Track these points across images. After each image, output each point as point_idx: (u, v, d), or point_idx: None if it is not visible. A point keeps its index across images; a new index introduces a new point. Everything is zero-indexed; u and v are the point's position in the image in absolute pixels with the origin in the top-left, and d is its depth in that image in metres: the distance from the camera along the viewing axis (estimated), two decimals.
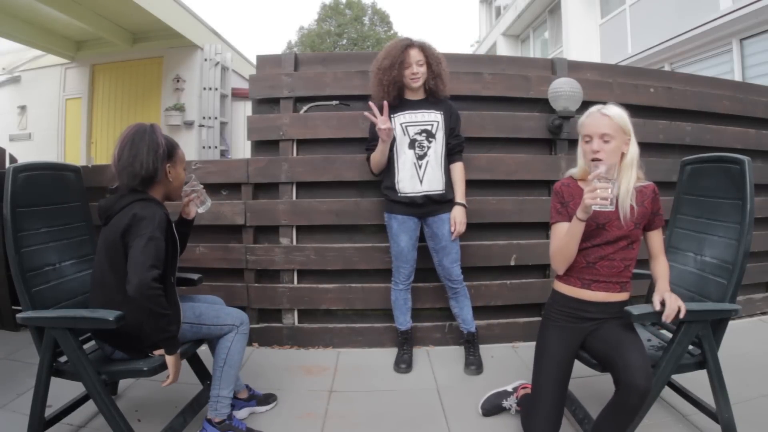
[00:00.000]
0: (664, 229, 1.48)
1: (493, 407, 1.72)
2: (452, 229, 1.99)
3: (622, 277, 1.39)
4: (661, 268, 1.44)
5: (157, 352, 1.39)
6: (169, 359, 1.35)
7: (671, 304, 1.29)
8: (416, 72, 1.93)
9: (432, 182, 1.99)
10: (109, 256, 1.36)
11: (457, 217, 1.99)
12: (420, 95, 2.02)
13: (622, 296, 1.40)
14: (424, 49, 1.95)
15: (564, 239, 1.37)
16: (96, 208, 1.45)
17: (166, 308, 1.31)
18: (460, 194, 2.03)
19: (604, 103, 1.41)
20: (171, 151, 1.49)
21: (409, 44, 1.95)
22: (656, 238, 1.45)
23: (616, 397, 1.24)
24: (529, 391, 1.71)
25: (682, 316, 1.29)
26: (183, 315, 1.48)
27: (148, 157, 1.39)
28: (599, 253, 1.37)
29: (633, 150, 1.38)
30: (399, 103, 2.01)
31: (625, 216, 1.35)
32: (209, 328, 1.53)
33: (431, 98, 2.01)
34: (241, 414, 1.69)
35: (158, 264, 1.31)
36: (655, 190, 1.42)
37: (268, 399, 1.79)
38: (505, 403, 1.71)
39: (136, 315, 1.32)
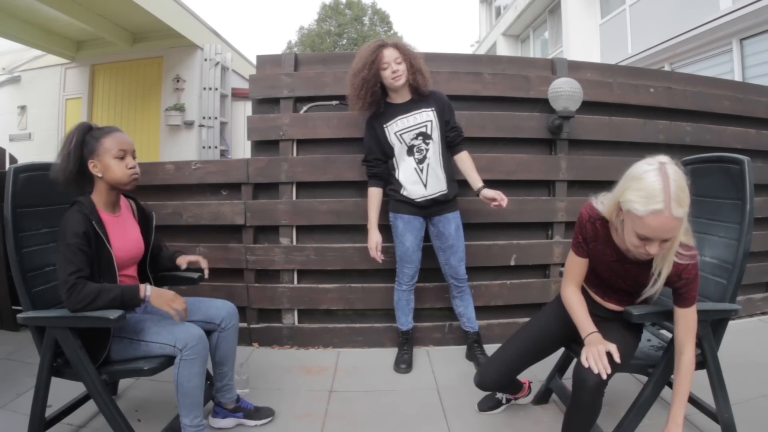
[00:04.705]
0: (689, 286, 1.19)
1: (487, 399, 1.75)
2: (499, 204, 1.87)
3: (635, 295, 1.33)
4: (681, 373, 1.22)
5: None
6: (153, 296, 1.35)
7: None
8: (396, 70, 1.87)
9: (436, 184, 1.98)
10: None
11: (491, 194, 1.90)
12: (405, 96, 1.97)
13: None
14: (398, 47, 1.90)
15: (568, 307, 1.35)
16: None
17: (96, 290, 1.28)
18: (478, 178, 1.98)
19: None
20: (92, 145, 1.40)
21: (381, 45, 1.90)
22: (682, 319, 1.22)
23: (572, 393, 1.24)
24: (526, 389, 1.73)
25: None
26: (124, 328, 1.39)
27: (57, 163, 1.39)
28: (609, 283, 1.37)
29: (682, 228, 1.13)
30: (386, 111, 1.97)
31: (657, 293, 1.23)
32: (147, 345, 1.36)
33: (416, 96, 1.97)
34: (225, 423, 1.64)
35: (71, 267, 1.27)
36: (695, 268, 1.18)
37: (260, 414, 1.67)
38: (499, 395, 1.74)
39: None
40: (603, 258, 1.30)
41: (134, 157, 1.47)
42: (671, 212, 1.05)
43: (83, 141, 1.40)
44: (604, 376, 1.13)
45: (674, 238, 1.11)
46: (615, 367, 1.16)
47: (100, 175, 1.41)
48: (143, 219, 1.60)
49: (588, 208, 1.29)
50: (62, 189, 1.39)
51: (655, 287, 1.20)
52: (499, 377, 1.48)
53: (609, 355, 1.16)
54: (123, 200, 1.55)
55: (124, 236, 1.47)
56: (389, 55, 1.87)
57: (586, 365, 1.15)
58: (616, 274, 1.31)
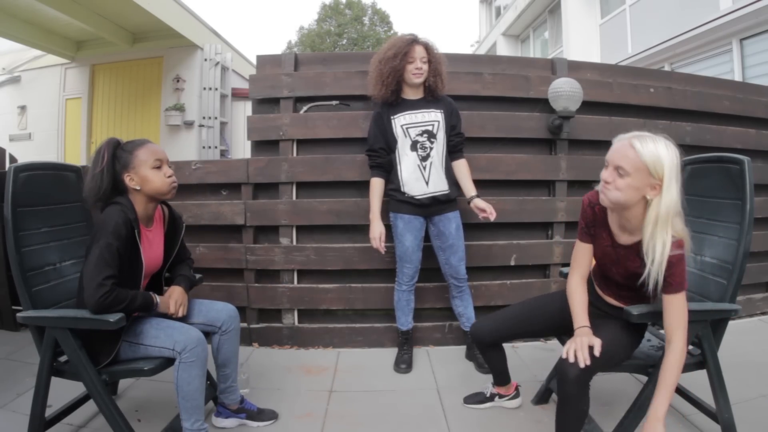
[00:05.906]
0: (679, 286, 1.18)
1: (474, 394, 1.80)
2: (487, 216, 1.93)
3: (631, 289, 1.31)
4: (667, 362, 1.16)
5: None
6: (163, 304, 1.42)
7: None
8: (420, 67, 1.92)
9: (437, 183, 1.99)
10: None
11: (482, 204, 1.96)
12: (419, 94, 2.01)
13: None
14: (428, 47, 1.96)
15: (569, 297, 1.39)
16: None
17: (125, 299, 1.28)
18: (472, 187, 2.03)
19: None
20: (125, 159, 1.39)
21: (415, 40, 1.95)
22: (668, 306, 1.19)
23: (557, 388, 1.25)
24: (512, 389, 1.74)
25: None
26: (123, 331, 1.37)
27: (90, 182, 1.37)
28: (605, 270, 1.38)
29: (666, 201, 1.12)
30: (398, 103, 2.00)
31: (656, 287, 1.17)
32: (147, 348, 1.36)
33: (429, 96, 2.01)
34: (228, 423, 1.64)
35: (109, 270, 1.26)
36: (680, 257, 1.16)
37: (263, 416, 1.67)
38: (486, 391, 1.77)
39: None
40: (600, 242, 1.35)
41: (170, 166, 1.46)
42: (631, 141, 1.16)
43: (114, 156, 1.38)
44: (582, 365, 1.14)
45: (628, 175, 1.13)
46: (596, 363, 1.17)
47: (138, 187, 1.39)
48: (172, 227, 1.57)
49: (589, 194, 1.37)
50: (90, 207, 1.38)
51: (651, 276, 1.16)
52: (491, 331, 1.52)
53: (592, 349, 1.18)
54: (157, 208, 1.53)
55: (150, 252, 1.46)
56: (419, 51, 1.93)
57: (565, 356, 1.18)
58: (610, 259, 1.33)
